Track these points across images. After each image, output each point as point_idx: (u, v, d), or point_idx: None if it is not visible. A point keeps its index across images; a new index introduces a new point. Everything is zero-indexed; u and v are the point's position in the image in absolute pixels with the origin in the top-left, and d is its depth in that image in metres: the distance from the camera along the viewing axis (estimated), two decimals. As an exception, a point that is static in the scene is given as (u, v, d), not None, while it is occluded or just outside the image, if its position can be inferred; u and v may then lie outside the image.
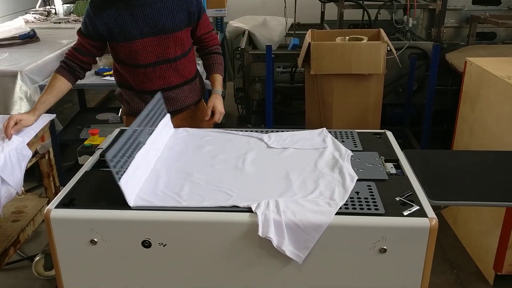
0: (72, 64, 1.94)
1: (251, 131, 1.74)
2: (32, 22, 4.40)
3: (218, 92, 2.03)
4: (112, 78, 2.93)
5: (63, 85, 1.93)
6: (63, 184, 1.39)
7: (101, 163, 1.51)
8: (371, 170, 1.43)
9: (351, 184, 1.32)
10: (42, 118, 2.11)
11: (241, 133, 1.75)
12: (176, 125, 1.83)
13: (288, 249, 1.17)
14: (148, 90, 1.97)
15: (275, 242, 1.17)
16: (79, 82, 2.87)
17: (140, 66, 1.93)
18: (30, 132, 1.93)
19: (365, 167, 1.45)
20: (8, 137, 1.78)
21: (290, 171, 1.41)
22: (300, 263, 1.19)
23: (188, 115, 2.09)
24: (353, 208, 1.22)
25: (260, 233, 1.16)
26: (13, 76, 2.79)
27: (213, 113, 1.97)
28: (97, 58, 2.05)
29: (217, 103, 1.98)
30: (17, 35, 3.54)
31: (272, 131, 1.73)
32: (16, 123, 1.79)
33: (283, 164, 1.47)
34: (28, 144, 1.97)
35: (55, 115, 2.23)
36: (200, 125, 2.01)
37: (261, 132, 1.73)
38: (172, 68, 1.96)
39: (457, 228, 2.66)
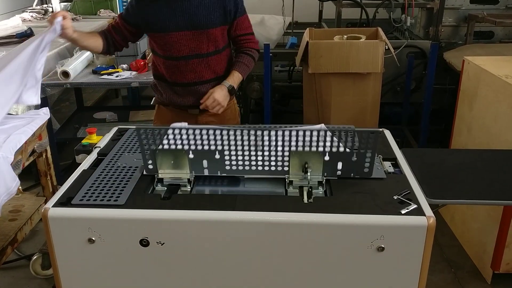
0: (108, 35, 2.05)
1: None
2: (29, 20, 4.38)
3: (224, 84, 2.02)
4: (110, 77, 2.95)
5: (96, 36, 2.02)
6: (61, 183, 1.39)
7: (99, 161, 1.51)
8: (369, 169, 1.42)
9: None
10: (39, 117, 2.11)
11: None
12: (204, 122, 2.01)
13: None
14: (179, 82, 2.05)
15: None
16: (76, 80, 2.94)
17: (173, 58, 2.00)
18: (22, 136, 1.93)
19: (363, 166, 1.44)
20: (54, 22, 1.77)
21: None
22: None
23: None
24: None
25: None
26: (10, 74, 2.77)
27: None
28: (127, 43, 2.12)
29: (216, 90, 1.99)
30: (14, 34, 3.53)
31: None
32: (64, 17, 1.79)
33: None
34: (25, 143, 1.97)
35: (47, 108, 2.22)
36: (228, 124, 2.05)
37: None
38: (204, 63, 2.01)
39: (455, 226, 2.66)
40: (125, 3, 3.52)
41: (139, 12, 1.97)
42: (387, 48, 2.79)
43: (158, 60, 2.08)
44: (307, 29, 3.07)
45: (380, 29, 3.02)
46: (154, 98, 2.28)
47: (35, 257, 2.29)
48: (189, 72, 2.02)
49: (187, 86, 2.05)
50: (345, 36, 2.98)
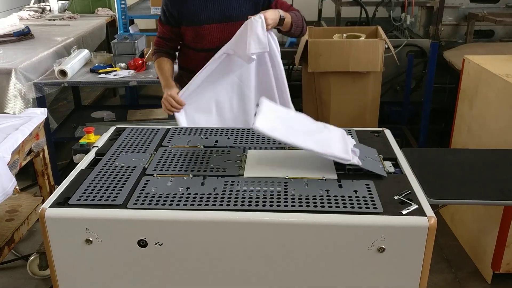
0: (165, 49, 2.15)
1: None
2: (27, 19, 4.37)
3: (279, 10, 1.99)
4: (107, 76, 2.93)
5: (169, 62, 2.14)
6: (58, 182, 1.37)
7: (97, 161, 1.49)
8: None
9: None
10: (36, 117, 2.10)
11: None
12: None
13: None
14: None
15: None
16: (73, 79, 2.92)
17: (203, 50, 2.05)
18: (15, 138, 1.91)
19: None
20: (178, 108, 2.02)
21: None
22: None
23: None
24: (352, 207, 1.21)
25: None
26: (7, 73, 2.76)
27: None
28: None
29: (268, 11, 1.95)
30: (12, 32, 3.52)
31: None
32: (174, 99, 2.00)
33: None
34: (22, 143, 1.95)
35: (44, 108, 2.21)
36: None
37: None
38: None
39: (455, 227, 2.66)
40: (123, 1, 3.49)
41: (174, 11, 2.03)
42: (386, 47, 2.78)
43: (188, 52, 2.14)
44: (307, 27, 3.06)
45: (379, 28, 3.01)
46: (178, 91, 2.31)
47: (32, 257, 2.28)
48: None
49: None
50: (344, 35, 2.97)
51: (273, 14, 1.95)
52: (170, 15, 2.07)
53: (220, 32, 2.03)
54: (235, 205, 1.22)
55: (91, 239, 1.21)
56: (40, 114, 2.14)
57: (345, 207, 1.21)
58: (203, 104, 2.05)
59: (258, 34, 1.87)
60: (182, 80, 2.20)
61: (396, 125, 3.48)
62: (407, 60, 3.29)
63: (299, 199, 1.24)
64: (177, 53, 2.21)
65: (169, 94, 2.00)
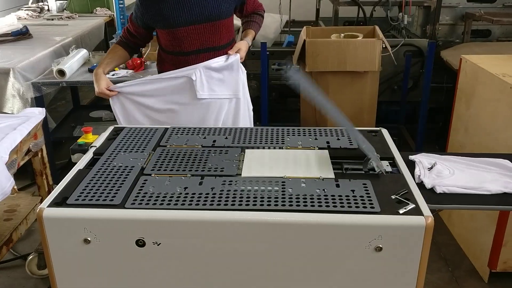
0: (126, 40, 2.11)
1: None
2: (25, 18, 4.36)
3: (246, 40, 2.07)
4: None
5: (120, 52, 2.11)
6: (57, 182, 1.37)
7: (95, 161, 1.50)
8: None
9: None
10: (34, 116, 2.10)
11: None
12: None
13: None
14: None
15: None
16: (72, 79, 2.92)
17: (182, 54, 1.99)
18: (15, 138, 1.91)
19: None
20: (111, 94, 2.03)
21: None
22: None
23: None
24: (349, 206, 1.21)
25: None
26: (5, 73, 2.76)
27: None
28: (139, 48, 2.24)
29: (241, 43, 2.03)
30: (10, 32, 3.51)
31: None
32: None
33: None
34: (20, 143, 1.95)
35: (44, 108, 2.21)
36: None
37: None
38: (217, 56, 1.99)
39: (452, 225, 2.66)
40: (121, 1, 3.49)
41: (146, 11, 1.95)
42: (384, 46, 2.79)
43: (166, 57, 2.08)
44: (304, 27, 3.06)
45: (377, 28, 3.01)
46: None
47: (31, 257, 2.28)
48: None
49: None
50: (342, 34, 2.97)
51: (245, 48, 2.04)
52: (141, 14, 2.00)
53: (199, 34, 1.95)
54: (232, 204, 1.22)
55: (89, 238, 1.21)
56: (38, 113, 2.13)
57: (342, 206, 1.21)
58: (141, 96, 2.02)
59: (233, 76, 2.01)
60: None
61: (394, 124, 3.49)
62: (405, 60, 3.30)
63: (297, 198, 1.24)
64: (137, 51, 2.23)
65: (104, 79, 2.02)
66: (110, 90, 2.02)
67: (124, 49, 2.12)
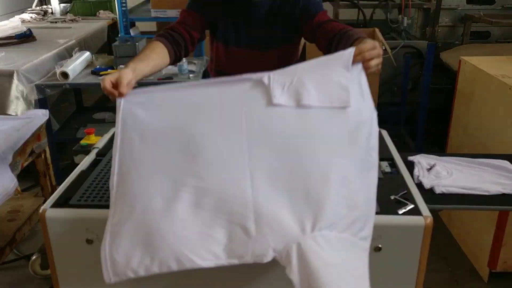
0: (178, 36, 1.55)
1: None
2: (29, 21, 4.38)
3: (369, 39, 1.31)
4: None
5: (163, 54, 1.47)
6: (60, 183, 1.38)
7: (97, 162, 1.51)
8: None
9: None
10: (38, 118, 2.11)
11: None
12: None
13: None
14: None
15: None
16: (75, 81, 2.93)
17: (225, 74, 1.50)
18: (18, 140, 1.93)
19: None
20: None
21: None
22: None
23: None
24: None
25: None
26: (9, 75, 2.77)
27: None
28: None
29: (369, 40, 1.27)
30: (14, 35, 3.52)
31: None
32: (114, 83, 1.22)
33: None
34: (24, 144, 1.97)
35: (47, 110, 2.22)
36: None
37: None
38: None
39: (452, 225, 2.67)
40: (123, 4, 3.50)
41: (208, 6, 1.66)
42: (384, 48, 2.80)
43: (213, 68, 1.82)
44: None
45: (377, 30, 3.03)
46: None
47: (34, 257, 2.29)
48: None
49: None
50: (342, 36, 2.98)
51: (371, 45, 1.20)
52: (205, 3, 1.66)
53: (243, 59, 1.70)
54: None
55: (91, 239, 1.20)
56: (42, 115, 2.14)
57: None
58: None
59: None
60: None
61: (393, 125, 3.50)
62: (404, 61, 3.31)
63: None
64: (184, 54, 1.61)
65: (121, 72, 1.23)
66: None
67: (165, 46, 1.49)
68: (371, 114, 1.13)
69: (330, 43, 1.52)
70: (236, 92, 1.17)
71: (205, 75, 2.38)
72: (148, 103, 1.20)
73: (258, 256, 0.99)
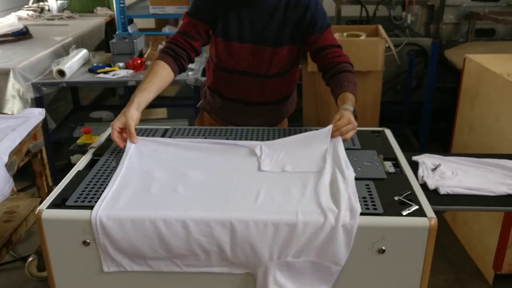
0: (180, 50, 1.66)
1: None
2: (25, 18, 4.35)
3: (349, 108, 1.53)
4: (106, 76, 2.91)
5: (166, 73, 1.61)
6: (57, 183, 1.36)
7: (94, 162, 1.48)
8: (370, 169, 1.40)
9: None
10: (34, 117, 2.08)
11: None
12: None
13: None
14: (223, 95, 1.81)
15: None
16: (72, 79, 2.90)
17: (226, 70, 1.74)
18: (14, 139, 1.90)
19: (363, 166, 1.42)
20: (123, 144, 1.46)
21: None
22: None
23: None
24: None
25: None
26: (5, 73, 2.75)
27: None
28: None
29: (346, 113, 1.50)
30: (10, 32, 3.50)
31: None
32: (121, 131, 1.47)
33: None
34: (20, 144, 1.94)
35: (43, 109, 2.19)
36: None
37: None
38: (258, 84, 1.74)
39: (456, 227, 2.64)
40: (121, 0, 3.47)
41: (209, 8, 1.68)
42: (387, 46, 2.77)
43: (211, 66, 1.82)
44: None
45: (380, 27, 2.99)
46: (200, 102, 2.01)
47: (30, 258, 2.27)
48: (238, 88, 1.76)
49: (231, 101, 1.80)
50: (345, 33, 2.95)
51: (351, 117, 1.48)
52: (206, 8, 1.67)
53: (249, 54, 1.69)
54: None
55: (88, 240, 1.19)
56: (38, 114, 2.12)
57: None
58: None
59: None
60: (203, 92, 1.93)
61: (397, 124, 3.47)
62: (408, 59, 3.28)
63: (299, 200, 1.23)
64: (188, 64, 1.72)
65: (127, 117, 1.46)
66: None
67: (171, 67, 1.63)
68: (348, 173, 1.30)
69: (325, 73, 1.73)
70: (232, 153, 1.46)
71: (204, 73, 2.34)
72: (153, 152, 1.46)
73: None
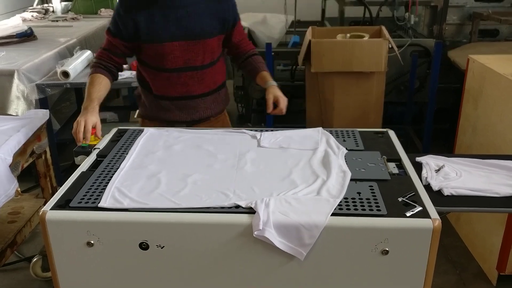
0: (108, 64, 1.86)
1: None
2: (30, 20, 4.37)
3: (274, 84, 1.90)
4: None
5: (105, 82, 1.83)
6: (61, 184, 1.37)
7: (98, 163, 1.49)
8: (373, 170, 1.40)
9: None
10: (38, 118, 2.09)
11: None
12: None
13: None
14: (168, 96, 1.91)
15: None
16: (76, 80, 2.91)
17: (164, 70, 1.85)
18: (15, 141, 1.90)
19: (367, 167, 1.42)
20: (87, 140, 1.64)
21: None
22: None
23: (207, 125, 1.97)
24: (355, 209, 1.20)
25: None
26: (10, 75, 2.76)
27: (275, 105, 1.85)
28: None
29: (277, 92, 1.86)
30: (14, 34, 3.51)
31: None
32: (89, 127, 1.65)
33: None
34: (24, 145, 1.95)
35: (47, 110, 2.20)
36: None
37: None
38: (197, 76, 1.88)
39: (460, 227, 2.64)
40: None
41: (128, 23, 1.79)
42: (390, 46, 2.76)
43: (146, 71, 1.93)
44: (310, 27, 3.04)
45: (383, 28, 2.99)
46: (137, 111, 2.12)
47: (35, 259, 2.27)
48: (180, 85, 1.88)
49: (175, 100, 1.91)
50: (348, 34, 2.95)
51: (282, 93, 1.88)
52: (123, 27, 1.80)
53: (183, 51, 1.81)
54: (237, 207, 1.21)
55: (92, 241, 1.20)
56: (42, 115, 2.13)
57: (348, 209, 1.20)
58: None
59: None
60: (140, 101, 2.04)
61: (400, 125, 3.46)
62: (411, 60, 3.27)
63: (302, 201, 1.24)
64: (119, 73, 1.94)
65: (85, 120, 1.65)
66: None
67: (106, 76, 1.84)
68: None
69: (237, 58, 2.04)
70: (234, 138, 1.66)
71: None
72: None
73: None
